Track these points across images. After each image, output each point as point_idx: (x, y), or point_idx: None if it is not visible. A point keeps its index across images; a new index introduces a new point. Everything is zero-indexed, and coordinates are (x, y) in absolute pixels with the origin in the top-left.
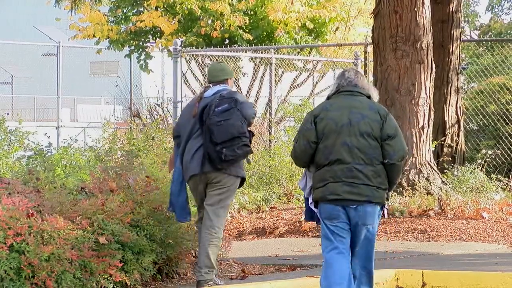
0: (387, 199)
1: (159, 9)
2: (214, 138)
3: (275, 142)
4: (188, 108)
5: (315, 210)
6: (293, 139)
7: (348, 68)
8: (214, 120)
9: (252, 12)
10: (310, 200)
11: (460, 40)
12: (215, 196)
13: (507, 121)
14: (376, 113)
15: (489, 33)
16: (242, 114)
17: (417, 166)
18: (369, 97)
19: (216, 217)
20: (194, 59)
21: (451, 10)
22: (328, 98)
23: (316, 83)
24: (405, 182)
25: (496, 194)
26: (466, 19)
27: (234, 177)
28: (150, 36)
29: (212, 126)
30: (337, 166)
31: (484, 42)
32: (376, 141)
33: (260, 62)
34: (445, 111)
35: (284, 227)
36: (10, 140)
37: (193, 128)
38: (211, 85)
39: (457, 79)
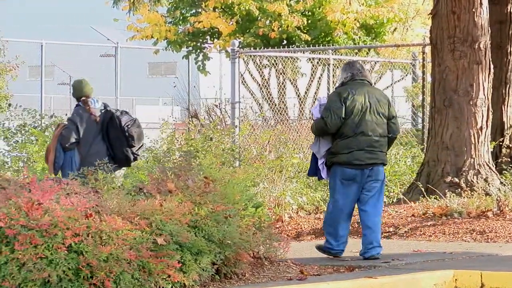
0: None
1: (217, 10)
2: (134, 144)
3: None
4: (81, 118)
5: (322, 169)
6: (322, 115)
7: (351, 60)
8: (134, 130)
9: (310, 13)
10: (321, 161)
11: None
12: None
13: None
14: (385, 98)
15: None
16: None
17: (476, 167)
18: (371, 84)
19: None
20: (252, 60)
21: (509, 10)
22: (343, 83)
23: (374, 83)
24: (464, 183)
25: None
26: None
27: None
28: (208, 37)
29: (134, 134)
30: (361, 137)
31: None
32: (386, 119)
33: (318, 62)
34: (503, 112)
35: None
36: None
37: (95, 134)
38: (95, 98)
39: None
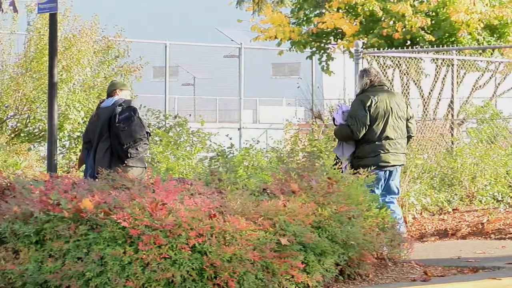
0: None
1: (340, 10)
2: (120, 141)
3: (457, 143)
4: (91, 118)
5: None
6: (347, 122)
7: (367, 67)
8: (121, 127)
9: (433, 13)
10: (345, 164)
11: None
12: None
13: None
14: (403, 102)
15: None
16: (141, 120)
17: None
18: (388, 88)
19: None
20: (376, 60)
21: None
22: (363, 90)
23: (499, 84)
24: None
25: None
26: None
27: (139, 168)
28: (331, 38)
29: (120, 132)
30: (385, 141)
31: None
32: (405, 121)
33: (442, 63)
34: None
35: (466, 229)
36: (192, 141)
37: (101, 133)
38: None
39: None
